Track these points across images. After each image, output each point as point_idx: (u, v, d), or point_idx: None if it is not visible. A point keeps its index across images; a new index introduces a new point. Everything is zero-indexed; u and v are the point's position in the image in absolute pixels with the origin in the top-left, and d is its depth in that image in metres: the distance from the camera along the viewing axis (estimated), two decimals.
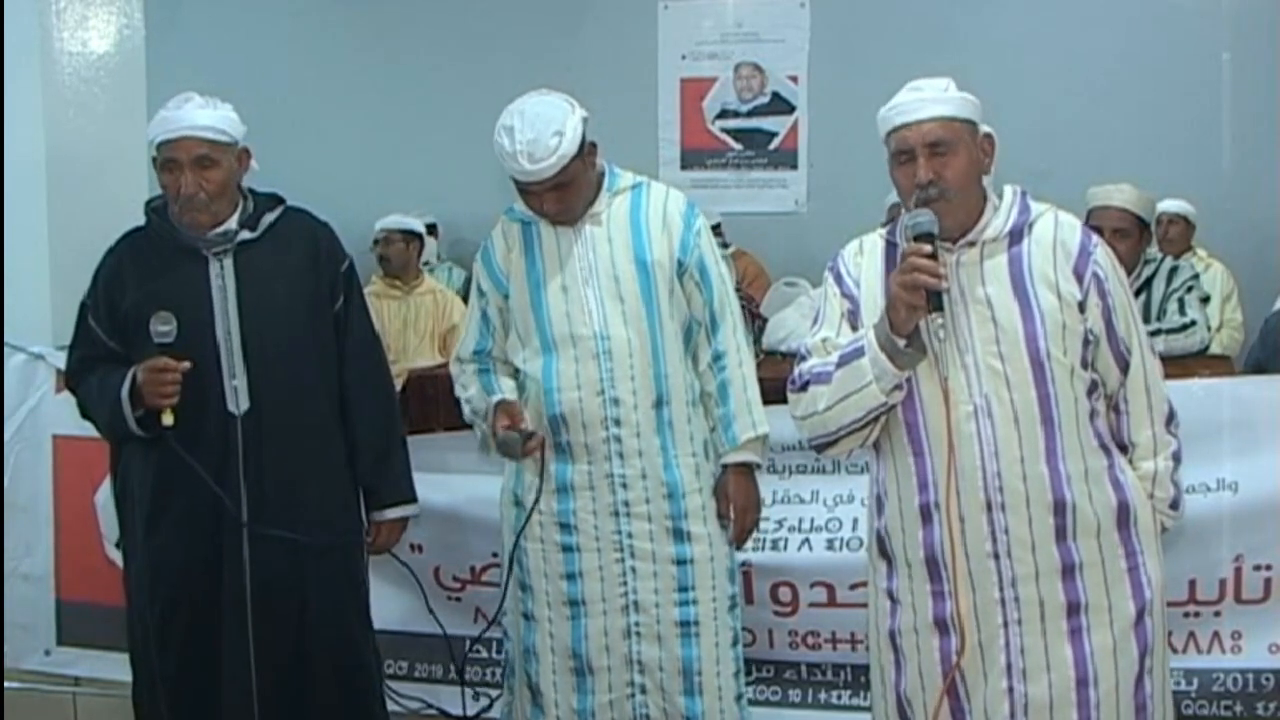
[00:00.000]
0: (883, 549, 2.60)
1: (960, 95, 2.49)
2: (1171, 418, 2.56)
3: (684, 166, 7.21)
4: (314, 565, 2.98)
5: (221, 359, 2.90)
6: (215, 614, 2.93)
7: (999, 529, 2.44)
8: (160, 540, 2.94)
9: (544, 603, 3.02)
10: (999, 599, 2.45)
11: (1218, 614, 3.25)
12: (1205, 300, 4.24)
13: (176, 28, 6.79)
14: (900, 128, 2.46)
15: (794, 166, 7.05)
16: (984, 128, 2.51)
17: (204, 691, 2.95)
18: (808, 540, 3.38)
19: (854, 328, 2.54)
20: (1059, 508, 2.43)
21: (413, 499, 3.15)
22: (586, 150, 2.92)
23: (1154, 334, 3.92)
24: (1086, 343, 2.45)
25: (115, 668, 3.52)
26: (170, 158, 2.87)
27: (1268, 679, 3.24)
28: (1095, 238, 2.51)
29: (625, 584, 2.96)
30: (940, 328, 2.38)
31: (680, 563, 2.97)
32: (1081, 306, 2.44)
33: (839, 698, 3.43)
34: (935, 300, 2.37)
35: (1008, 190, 2.53)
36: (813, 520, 3.40)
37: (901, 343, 2.41)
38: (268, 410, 2.92)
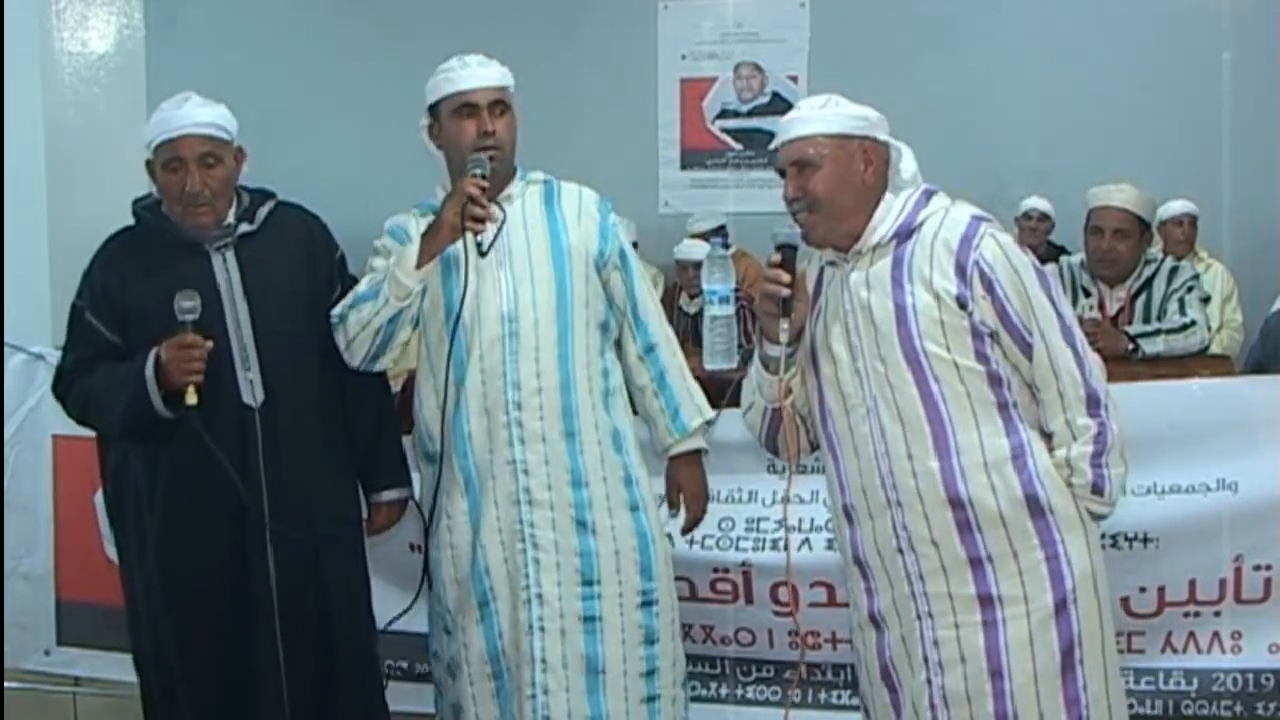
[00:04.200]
0: (841, 547, 2.69)
1: (835, 111, 2.54)
2: (1094, 400, 2.48)
3: (684, 166, 7.23)
4: (330, 557, 2.99)
5: (234, 352, 2.89)
6: (239, 612, 2.91)
7: (898, 525, 2.50)
8: (176, 543, 2.91)
9: (459, 610, 2.97)
10: (909, 593, 2.51)
11: (1218, 614, 3.24)
12: (1205, 300, 4.24)
13: (176, 28, 6.80)
14: (778, 148, 2.58)
15: None
16: (879, 136, 2.54)
17: (232, 690, 2.94)
18: (808, 540, 3.38)
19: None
20: (955, 503, 2.46)
21: (408, 482, 3.13)
22: (515, 114, 2.98)
23: (1154, 334, 3.94)
24: (979, 336, 2.45)
25: (115, 668, 3.52)
26: (175, 156, 2.86)
27: (1268, 679, 3.24)
28: (984, 228, 2.49)
29: (527, 576, 2.88)
30: (784, 331, 2.52)
31: (583, 554, 2.90)
32: (961, 301, 2.44)
33: (839, 698, 3.43)
34: (783, 305, 2.52)
35: (904, 193, 2.55)
36: (813, 520, 3.39)
37: (778, 350, 2.54)
38: (281, 401, 2.92)
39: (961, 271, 2.45)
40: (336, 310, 2.94)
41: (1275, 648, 3.24)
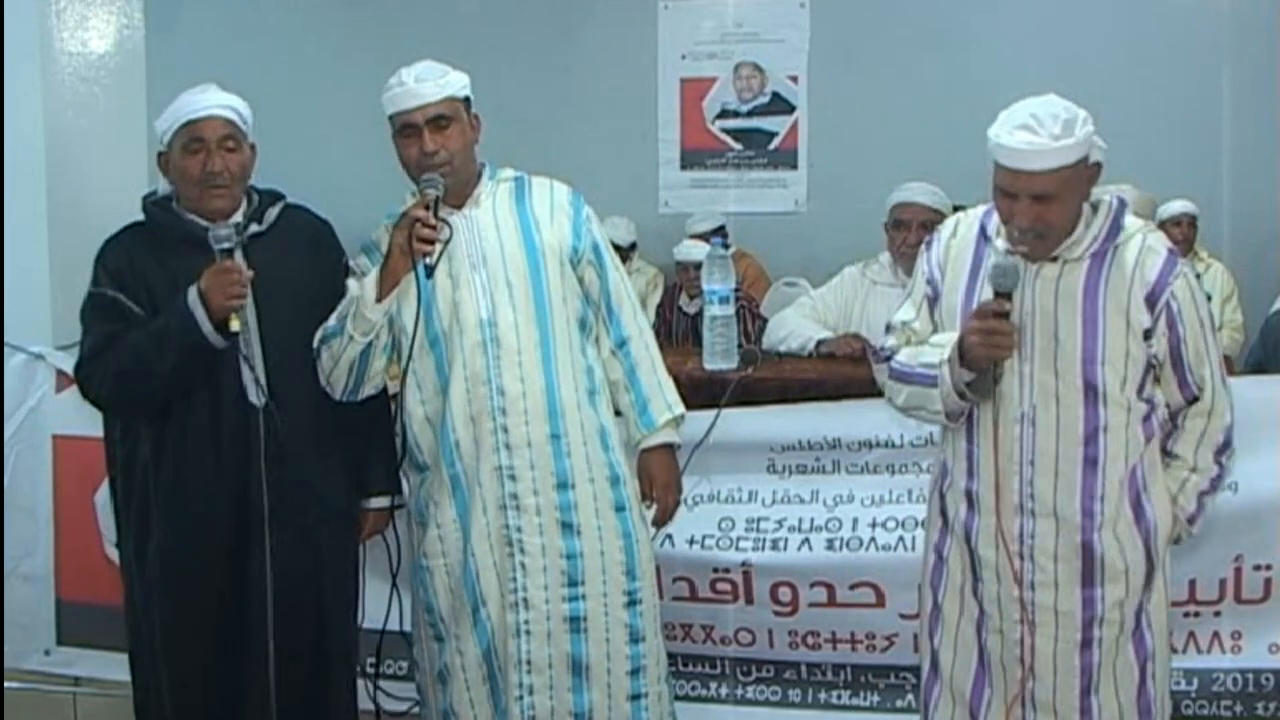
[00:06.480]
0: (943, 509, 2.67)
1: (1075, 140, 2.39)
2: (1225, 448, 2.60)
3: (684, 166, 7.22)
4: (330, 561, 2.99)
5: (240, 351, 2.87)
6: (233, 615, 2.90)
7: (1026, 533, 2.52)
8: (178, 538, 2.90)
9: (452, 618, 2.95)
10: (1017, 598, 2.54)
11: (1218, 614, 3.25)
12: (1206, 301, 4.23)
13: (176, 28, 6.79)
14: (1008, 169, 2.43)
15: (794, 166, 7.06)
16: (1096, 153, 2.48)
17: (219, 693, 2.93)
18: (808, 540, 3.38)
19: (931, 314, 2.62)
20: (1087, 524, 2.50)
21: (398, 489, 3.10)
22: (471, 116, 2.92)
23: None
24: (1149, 369, 2.49)
25: (115, 668, 3.52)
26: (196, 136, 2.86)
27: (1268, 679, 3.24)
28: (1180, 265, 2.50)
29: (515, 580, 2.88)
30: (1000, 376, 2.49)
31: (569, 557, 2.90)
32: (1148, 334, 2.47)
33: (839, 698, 3.43)
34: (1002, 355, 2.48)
35: (1104, 203, 2.53)
36: (813, 520, 3.39)
37: (968, 377, 2.50)
38: (285, 402, 2.91)
39: (1152, 304, 2.46)
40: (315, 344, 2.93)
41: (1275, 648, 3.24)
